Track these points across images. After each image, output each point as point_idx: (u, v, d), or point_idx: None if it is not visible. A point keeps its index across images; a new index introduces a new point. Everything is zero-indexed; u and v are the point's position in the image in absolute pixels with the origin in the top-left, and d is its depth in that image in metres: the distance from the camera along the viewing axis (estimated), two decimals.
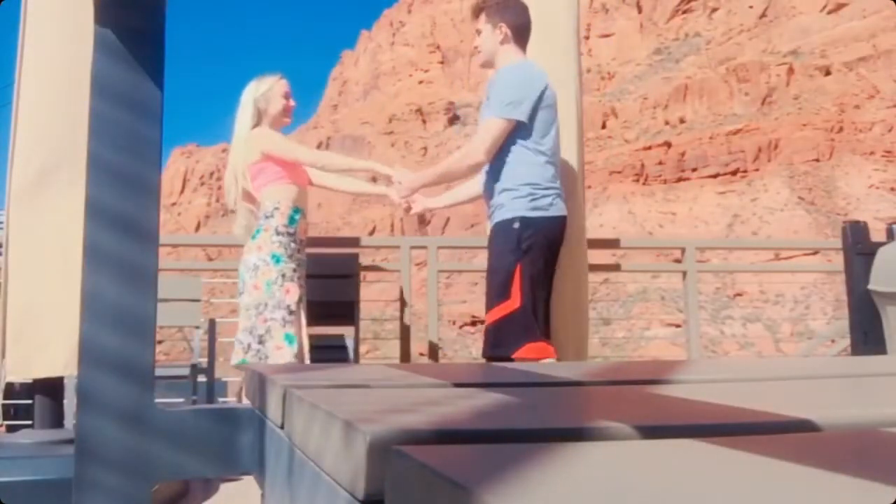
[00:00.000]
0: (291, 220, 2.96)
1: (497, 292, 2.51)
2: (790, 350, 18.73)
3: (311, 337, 3.00)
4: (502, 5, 2.75)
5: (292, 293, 2.87)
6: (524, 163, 2.59)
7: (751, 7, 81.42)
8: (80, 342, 1.19)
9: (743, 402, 0.82)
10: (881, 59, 69.07)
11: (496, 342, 2.49)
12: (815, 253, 22.81)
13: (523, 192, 2.56)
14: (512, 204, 2.56)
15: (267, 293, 2.84)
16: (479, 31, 2.79)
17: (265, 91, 3.07)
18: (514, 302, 2.46)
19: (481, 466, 0.48)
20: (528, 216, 2.54)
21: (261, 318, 2.83)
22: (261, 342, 2.82)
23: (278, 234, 2.90)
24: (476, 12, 2.80)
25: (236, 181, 3.04)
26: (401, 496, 0.50)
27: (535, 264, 2.51)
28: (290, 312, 2.85)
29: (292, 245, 2.92)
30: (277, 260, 2.87)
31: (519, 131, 2.59)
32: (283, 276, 2.87)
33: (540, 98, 2.60)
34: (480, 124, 2.71)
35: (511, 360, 2.41)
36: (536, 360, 2.39)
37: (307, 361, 2.93)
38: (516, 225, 2.53)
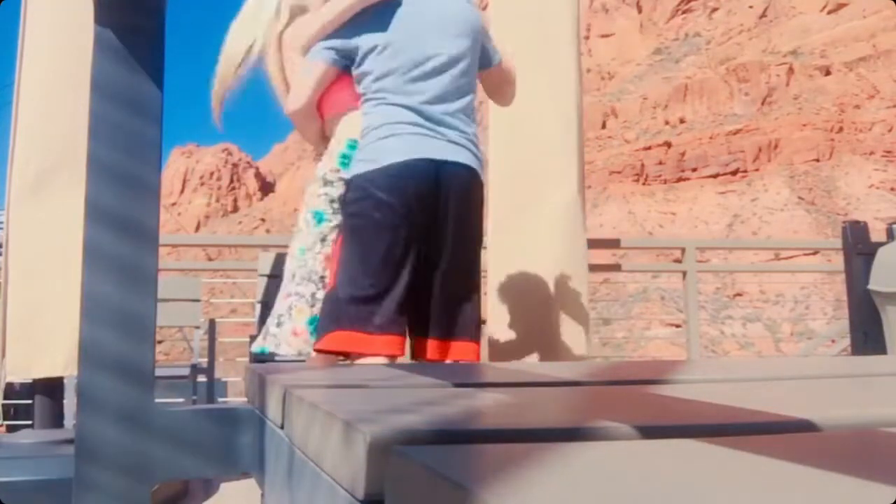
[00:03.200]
0: (343, 161, 2.03)
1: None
2: (790, 350, 18.72)
3: None
4: None
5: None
6: None
7: (751, 7, 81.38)
8: (80, 342, 1.19)
9: (743, 402, 0.82)
10: (881, 59, 69.01)
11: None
12: (815, 253, 22.80)
13: None
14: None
15: (298, 261, 2.08)
16: None
17: None
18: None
19: (481, 466, 0.48)
20: None
21: (283, 294, 2.10)
22: (278, 324, 2.07)
23: (325, 183, 2.08)
24: None
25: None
26: (401, 496, 0.50)
27: None
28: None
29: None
30: (320, 219, 2.08)
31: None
32: (323, 240, 2.07)
33: None
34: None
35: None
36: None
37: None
38: None
